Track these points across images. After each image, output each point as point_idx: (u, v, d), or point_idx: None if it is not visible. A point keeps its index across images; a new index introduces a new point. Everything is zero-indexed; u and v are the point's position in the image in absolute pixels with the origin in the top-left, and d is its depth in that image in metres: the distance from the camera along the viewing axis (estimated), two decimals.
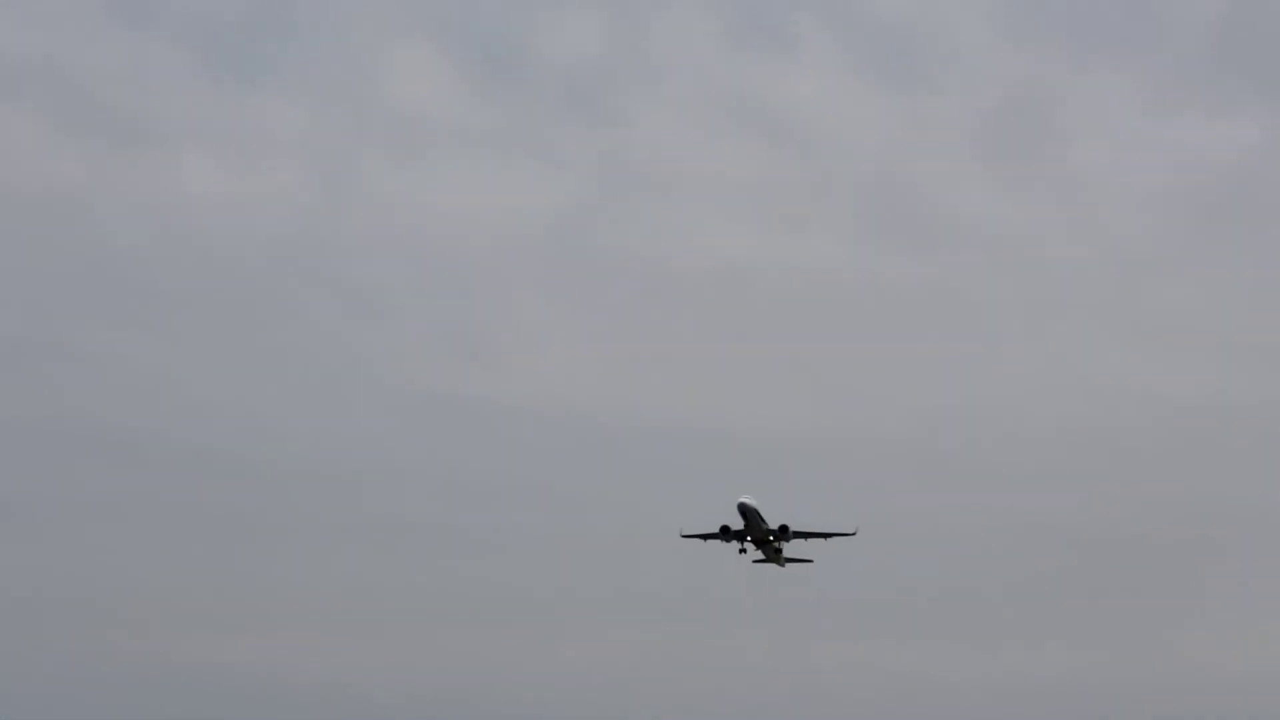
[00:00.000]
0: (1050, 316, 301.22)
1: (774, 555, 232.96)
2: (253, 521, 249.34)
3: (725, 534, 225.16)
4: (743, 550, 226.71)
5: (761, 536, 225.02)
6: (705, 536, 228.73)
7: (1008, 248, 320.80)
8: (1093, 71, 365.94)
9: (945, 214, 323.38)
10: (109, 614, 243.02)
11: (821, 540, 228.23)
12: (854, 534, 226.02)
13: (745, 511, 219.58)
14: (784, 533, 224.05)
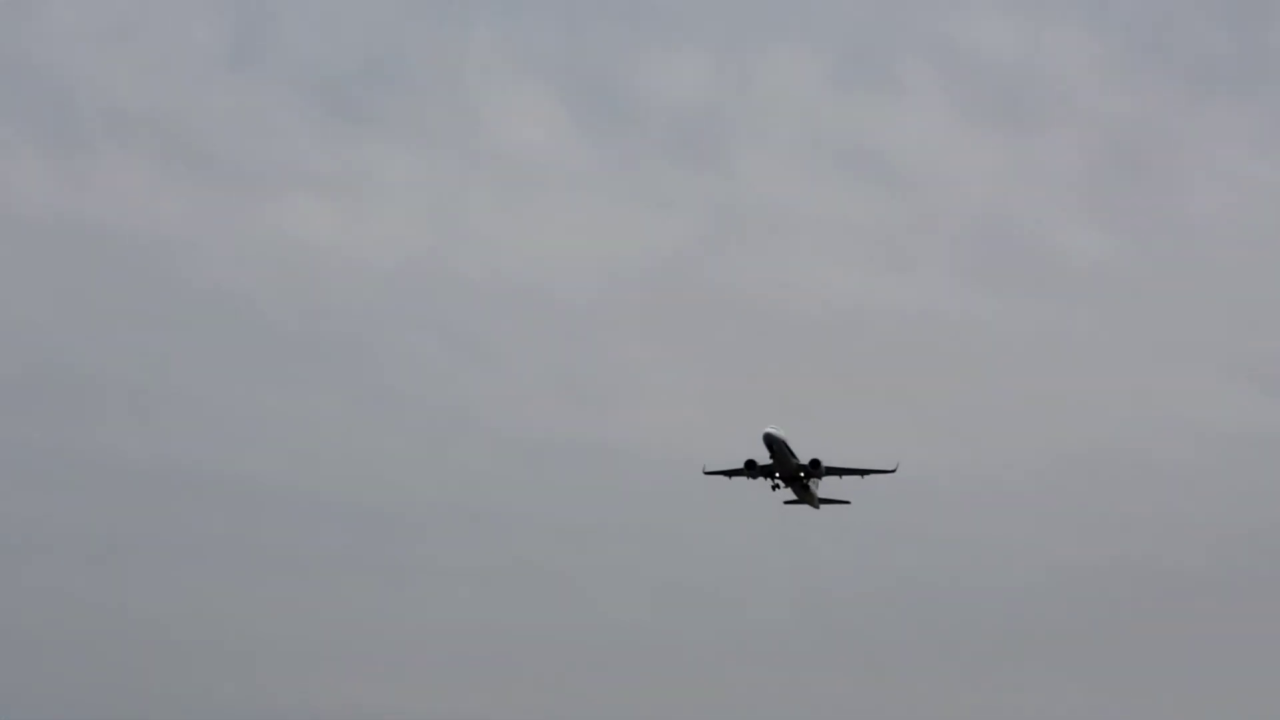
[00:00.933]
0: (1160, 358, 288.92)
1: (806, 494, 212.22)
2: (365, 566, 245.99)
3: (751, 469, 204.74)
4: (775, 486, 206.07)
5: (791, 472, 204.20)
6: (730, 473, 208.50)
7: (1116, 289, 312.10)
8: (1204, 112, 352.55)
9: (1053, 255, 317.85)
10: (217, 657, 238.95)
11: (858, 478, 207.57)
12: (894, 470, 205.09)
13: (772, 443, 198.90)
14: (815, 468, 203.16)
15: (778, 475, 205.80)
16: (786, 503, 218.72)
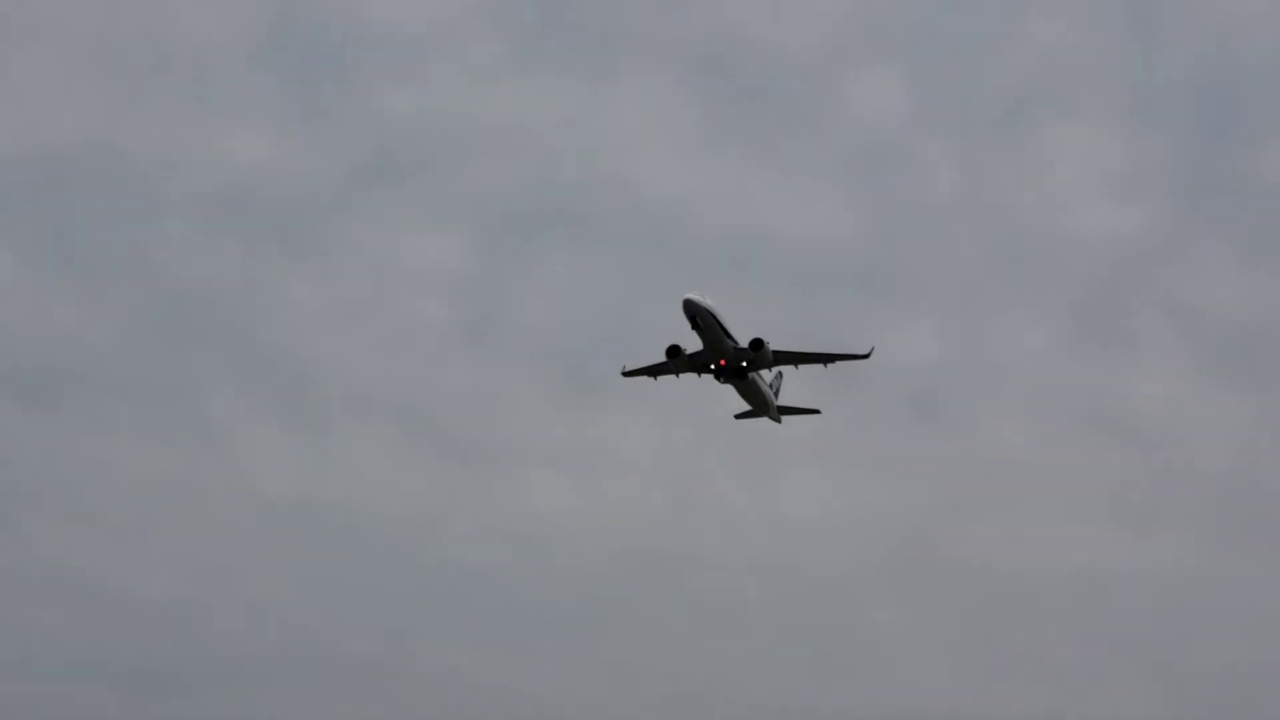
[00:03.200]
0: None
1: (756, 397, 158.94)
2: None
3: (676, 359, 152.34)
4: (719, 378, 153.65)
5: (729, 359, 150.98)
6: (654, 370, 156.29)
7: None
8: None
9: None
10: None
11: (821, 368, 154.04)
12: (868, 355, 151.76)
13: (695, 314, 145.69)
14: (759, 351, 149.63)
15: (713, 367, 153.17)
16: (738, 416, 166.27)
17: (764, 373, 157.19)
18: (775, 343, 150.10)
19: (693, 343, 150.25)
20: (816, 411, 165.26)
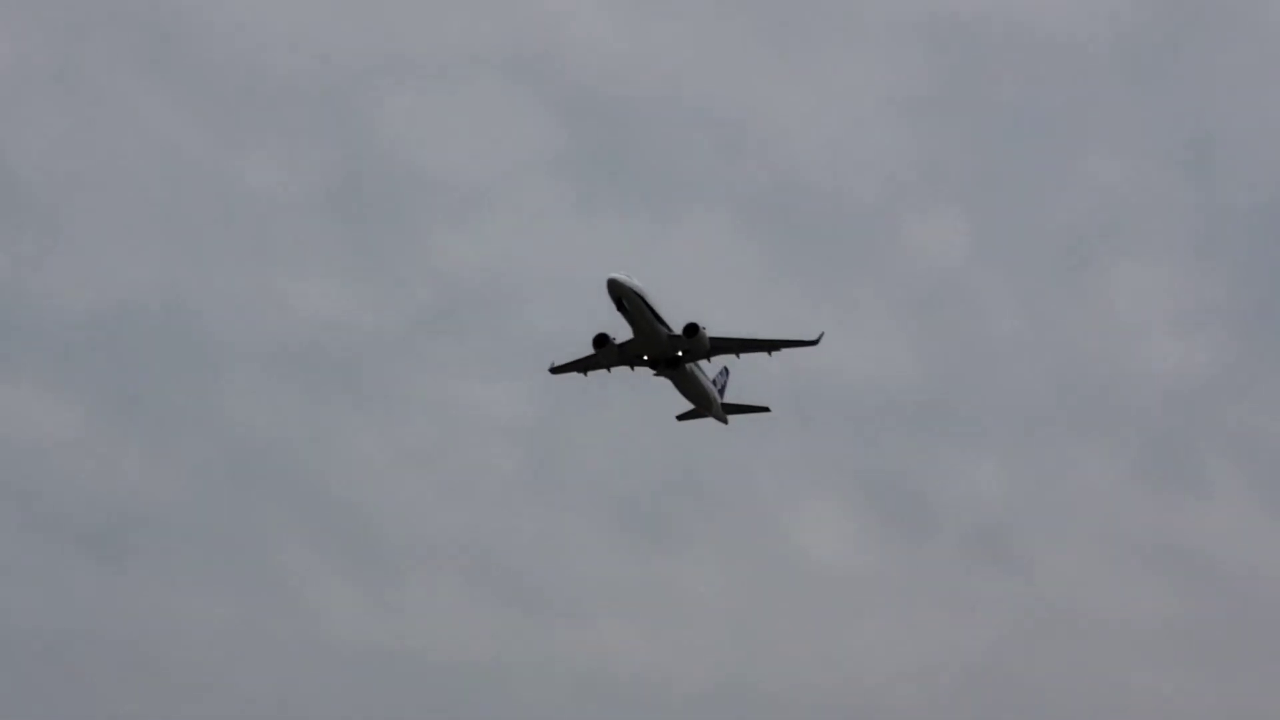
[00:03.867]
0: None
1: (697, 391, 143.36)
2: None
3: (604, 349, 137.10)
4: (655, 370, 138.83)
5: (662, 348, 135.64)
6: (583, 365, 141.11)
7: None
8: None
9: None
10: None
11: (766, 356, 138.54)
12: (817, 342, 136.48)
13: (621, 295, 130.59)
14: (694, 337, 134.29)
15: (645, 359, 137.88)
16: (681, 417, 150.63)
17: (704, 365, 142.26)
18: (714, 330, 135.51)
19: (624, 332, 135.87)
20: (765, 409, 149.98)
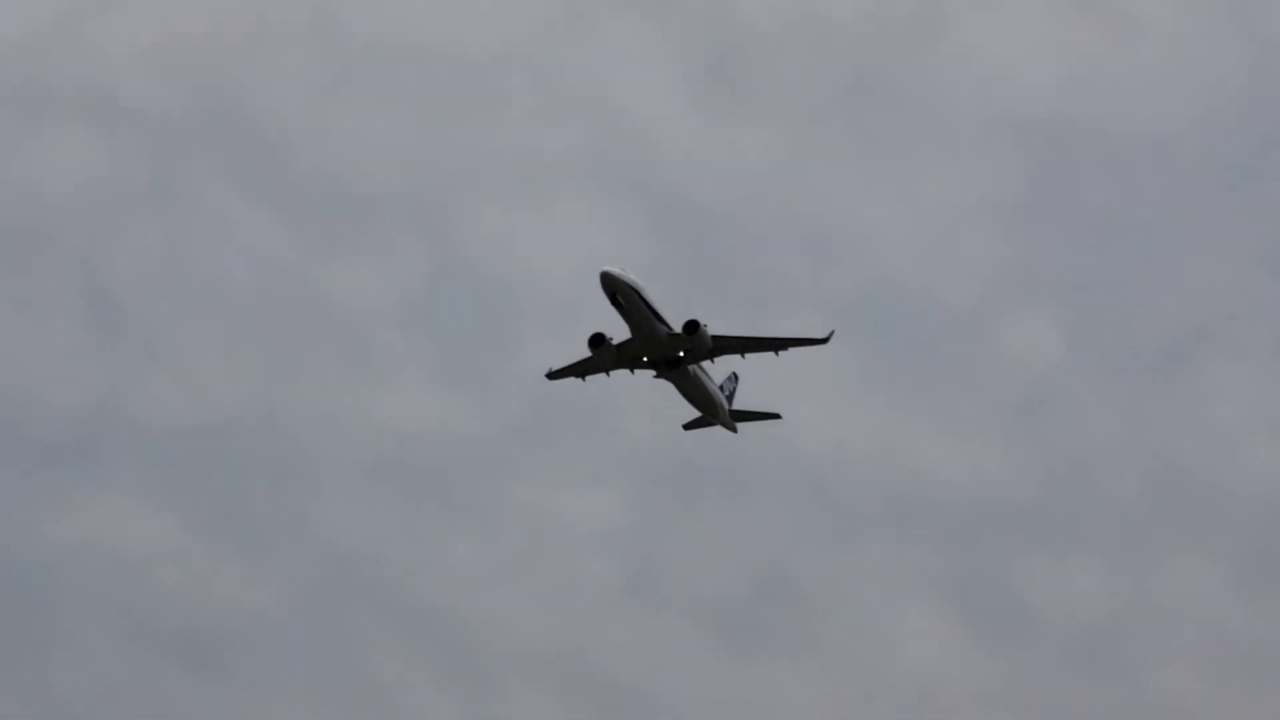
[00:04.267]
0: None
1: (703, 397, 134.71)
2: None
3: (601, 350, 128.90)
4: (656, 371, 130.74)
5: (661, 347, 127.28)
6: (581, 369, 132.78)
7: None
8: None
9: None
10: None
11: (774, 355, 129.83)
12: (827, 340, 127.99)
13: (615, 290, 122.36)
14: (694, 335, 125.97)
15: (646, 359, 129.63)
16: (687, 426, 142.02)
17: (709, 371, 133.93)
18: (716, 328, 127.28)
19: (623, 333, 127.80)
20: (776, 416, 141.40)
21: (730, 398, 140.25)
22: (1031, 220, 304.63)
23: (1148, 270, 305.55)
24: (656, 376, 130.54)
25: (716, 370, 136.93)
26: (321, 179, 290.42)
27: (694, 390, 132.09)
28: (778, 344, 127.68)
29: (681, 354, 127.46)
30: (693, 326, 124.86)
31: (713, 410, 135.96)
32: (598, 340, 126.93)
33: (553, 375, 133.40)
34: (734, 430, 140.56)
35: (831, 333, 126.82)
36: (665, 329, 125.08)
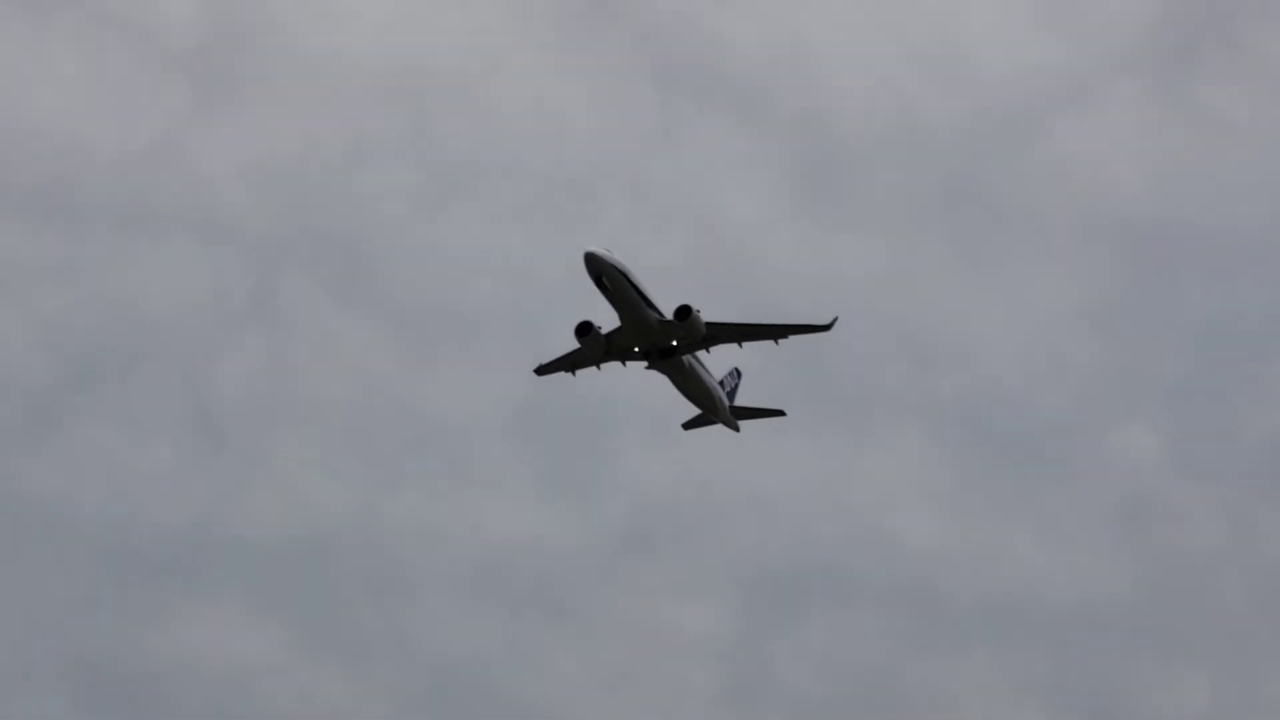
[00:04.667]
0: None
1: (700, 391, 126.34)
2: None
3: (590, 337, 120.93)
4: (649, 362, 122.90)
5: (652, 334, 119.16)
6: (571, 362, 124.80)
7: None
8: None
9: None
10: None
11: (774, 344, 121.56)
12: (830, 326, 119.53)
13: (601, 271, 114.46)
14: (686, 320, 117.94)
15: (637, 349, 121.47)
16: (686, 425, 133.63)
17: (707, 365, 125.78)
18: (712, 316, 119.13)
19: (613, 322, 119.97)
20: (781, 413, 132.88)
21: (732, 394, 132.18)
22: (1131, 323, 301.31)
23: (1249, 372, 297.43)
24: (649, 367, 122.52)
25: (717, 370, 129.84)
26: (421, 292, 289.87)
27: (690, 383, 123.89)
28: (777, 331, 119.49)
29: (675, 343, 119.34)
30: (684, 312, 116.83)
31: (711, 406, 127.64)
32: (585, 328, 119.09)
33: (541, 370, 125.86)
34: (736, 429, 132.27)
35: (835, 319, 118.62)
36: (656, 315, 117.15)
